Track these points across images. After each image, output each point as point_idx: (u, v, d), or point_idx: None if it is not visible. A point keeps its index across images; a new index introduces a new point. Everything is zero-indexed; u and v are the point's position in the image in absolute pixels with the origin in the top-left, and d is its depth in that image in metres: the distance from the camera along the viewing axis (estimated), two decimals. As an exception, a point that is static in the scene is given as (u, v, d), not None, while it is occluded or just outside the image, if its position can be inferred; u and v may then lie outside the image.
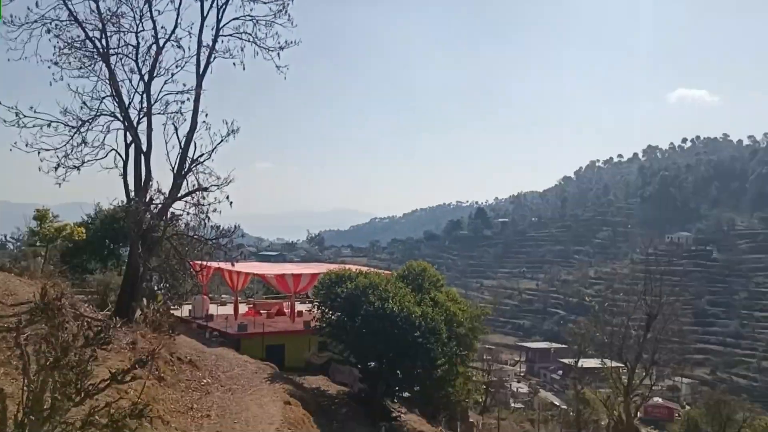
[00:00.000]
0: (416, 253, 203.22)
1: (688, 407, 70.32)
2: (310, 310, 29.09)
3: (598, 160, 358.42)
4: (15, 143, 19.89)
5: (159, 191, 21.78)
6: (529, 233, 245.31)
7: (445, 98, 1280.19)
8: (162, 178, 22.44)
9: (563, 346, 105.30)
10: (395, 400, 28.54)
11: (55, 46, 20.93)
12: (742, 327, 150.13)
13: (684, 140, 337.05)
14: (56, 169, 20.80)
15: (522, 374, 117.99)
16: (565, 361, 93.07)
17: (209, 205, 21.21)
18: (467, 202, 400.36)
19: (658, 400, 77.78)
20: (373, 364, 26.18)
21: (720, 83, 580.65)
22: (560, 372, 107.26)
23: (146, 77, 22.18)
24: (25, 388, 8.38)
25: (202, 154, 21.71)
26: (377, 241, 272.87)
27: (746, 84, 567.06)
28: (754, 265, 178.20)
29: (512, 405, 63.65)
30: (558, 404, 66.09)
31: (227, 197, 21.19)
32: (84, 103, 21.28)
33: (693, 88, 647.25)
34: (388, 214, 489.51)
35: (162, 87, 22.21)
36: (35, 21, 20.12)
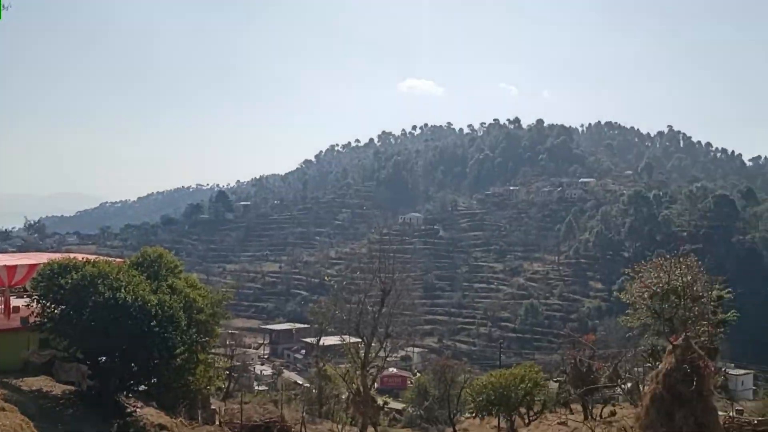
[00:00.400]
0: (153, 239, 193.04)
1: (419, 374, 75.80)
2: (28, 305, 25.98)
3: (338, 145, 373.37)
4: None
5: None
6: (272, 216, 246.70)
7: (184, 76, 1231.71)
8: None
9: (306, 326, 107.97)
10: (130, 395, 26.76)
11: None
12: (464, 298, 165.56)
13: (414, 127, 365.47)
14: None
15: (266, 357, 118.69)
16: (308, 340, 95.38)
17: None
18: (208, 185, 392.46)
19: (392, 370, 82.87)
20: (104, 358, 24.31)
21: (444, 76, 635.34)
22: (303, 351, 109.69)
23: None
24: None
25: None
26: (108, 227, 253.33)
27: (466, 78, 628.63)
28: (473, 241, 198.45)
29: (256, 388, 63.52)
30: (301, 383, 67.36)
31: None
32: None
33: (421, 78, 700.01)
34: (121, 198, 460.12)
35: None
36: None
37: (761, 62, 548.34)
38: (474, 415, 35.39)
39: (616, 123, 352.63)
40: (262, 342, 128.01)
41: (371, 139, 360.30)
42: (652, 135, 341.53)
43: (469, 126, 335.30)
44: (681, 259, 22.87)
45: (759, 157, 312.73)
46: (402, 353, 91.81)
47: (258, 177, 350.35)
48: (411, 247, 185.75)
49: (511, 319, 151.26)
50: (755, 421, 24.63)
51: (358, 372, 32.47)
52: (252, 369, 75.89)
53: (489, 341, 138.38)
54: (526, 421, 34.91)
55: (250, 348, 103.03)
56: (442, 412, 46.31)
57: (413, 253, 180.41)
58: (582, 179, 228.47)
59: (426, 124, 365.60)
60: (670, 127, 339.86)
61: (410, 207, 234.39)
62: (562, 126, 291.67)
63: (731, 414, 26.06)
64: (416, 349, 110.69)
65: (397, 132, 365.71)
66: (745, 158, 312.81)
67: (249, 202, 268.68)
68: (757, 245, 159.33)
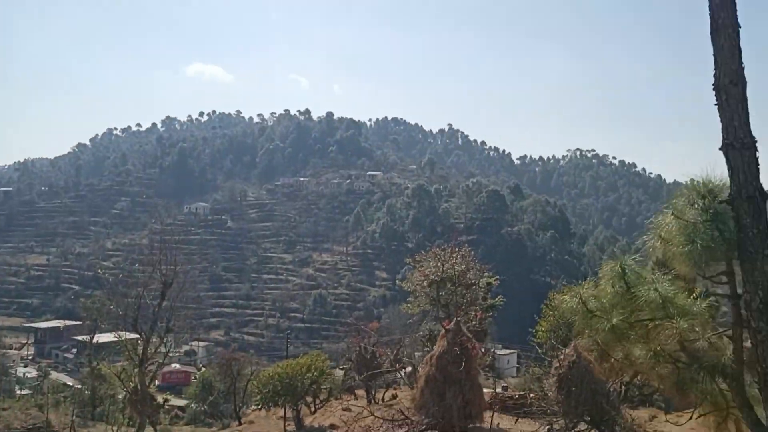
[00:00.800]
0: None
1: (203, 369, 73.87)
2: None
3: (116, 128, 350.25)
4: None
5: None
6: (39, 204, 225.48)
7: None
8: None
9: (77, 322, 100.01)
10: None
11: None
12: (252, 289, 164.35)
13: (201, 114, 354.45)
14: None
15: (30, 357, 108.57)
16: (80, 338, 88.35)
17: None
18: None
19: (175, 365, 79.73)
20: None
21: (233, 63, 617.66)
22: (74, 350, 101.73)
23: None
24: None
25: None
26: None
27: (256, 66, 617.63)
28: (262, 232, 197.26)
29: (18, 392, 57.74)
30: (72, 384, 62.55)
31: None
32: None
33: (209, 64, 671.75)
34: None
35: None
36: None
37: (525, 70, 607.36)
38: (260, 407, 34.96)
39: (401, 119, 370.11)
40: (25, 341, 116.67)
41: (154, 124, 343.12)
42: (434, 132, 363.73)
43: (259, 115, 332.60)
44: (456, 250, 24.51)
45: (525, 156, 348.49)
46: (186, 348, 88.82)
47: (22, 161, 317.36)
48: (197, 237, 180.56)
49: (300, 310, 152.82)
50: (516, 396, 27.08)
51: (135, 370, 30.56)
52: (13, 371, 69.06)
53: (277, 332, 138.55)
54: (313, 409, 35.30)
55: (11, 349, 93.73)
56: (228, 406, 45.50)
57: (199, 244, 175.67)
58: (370, 172, 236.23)
59: (214, 111, 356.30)
60: (450, 125, 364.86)
61: (196, 196, 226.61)
62: (352, 120, 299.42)
63: (497, 390, 28.38)
64: (201, 343, 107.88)
65: (183, 118, 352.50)
66: (514, 157, 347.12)
67: (11, 188, 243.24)
68: (522, 236, 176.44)
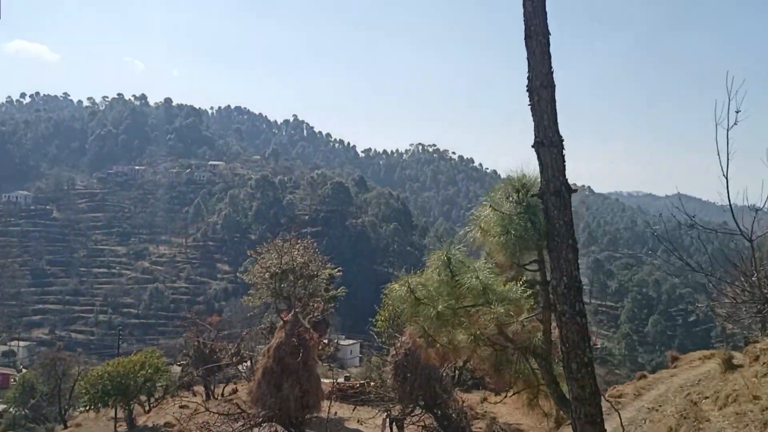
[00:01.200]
0: None
1: (24, 370, 68.84)
2: None
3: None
4: None
5: None
6: None
7: None
8: None
9: None
10: None
11: None
12: (81, 284, 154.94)
13: (23, 95, 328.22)
14: None
15: None
16: None
17: None
18: None
19: (-8, 367, 73.93)
20: None
21: (60, 41, 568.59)
22: None
23: None
24: None
25: None
26: None
27: (86, 47, 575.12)
28: (93, 223, 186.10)
29: None
30: None
31: None
32: None
33: (33, 41, 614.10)
34: None
35: None
36: None
37: (369, 63, 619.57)
38: (88, 408, 33.14)
39: (245, 108, 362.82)
40: None
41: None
42: (279, 122, 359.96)
43: (90, 99, 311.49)
44: (298, 241, 24.62)
45: (370, 149, 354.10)
46: (4, 348, 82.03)
47: None
48: (17, 229, 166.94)
49: (135, 305, 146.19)
50: (357, 385, 27.72)
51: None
52: None
53: (109, 329, 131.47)
54: (147, 408, 34.11)
55: None
56: (52, 409, 42.96)
57: (20, 235, 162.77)
58: (211, 162, 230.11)
59: (38, 93, 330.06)
60: (295, 116, 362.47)
61: (17, 184, 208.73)
62: (192, 107, 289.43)
63: (338, 380, 28.90)
64: (22, 343, 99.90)
65: (2, 99, 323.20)
66: (359, 150, 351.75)
67: None
68: (366, 228, 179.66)
